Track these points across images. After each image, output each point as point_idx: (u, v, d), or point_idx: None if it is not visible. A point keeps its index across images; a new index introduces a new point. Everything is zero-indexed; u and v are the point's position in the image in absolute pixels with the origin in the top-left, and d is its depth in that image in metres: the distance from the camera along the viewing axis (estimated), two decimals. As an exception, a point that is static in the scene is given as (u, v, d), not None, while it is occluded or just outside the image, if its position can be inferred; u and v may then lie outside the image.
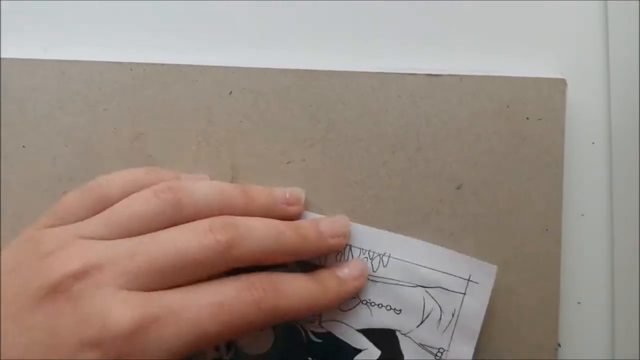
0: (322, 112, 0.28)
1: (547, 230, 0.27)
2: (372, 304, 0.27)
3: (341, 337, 0.27)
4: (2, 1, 0.30)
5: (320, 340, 0.27)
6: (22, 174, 0.28)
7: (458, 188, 0.27)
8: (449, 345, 0.26)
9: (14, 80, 0.28)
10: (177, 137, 0.28)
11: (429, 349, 0.26)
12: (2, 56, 0.28)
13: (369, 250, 0.27)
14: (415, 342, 0.26)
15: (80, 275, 0.21)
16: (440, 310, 0.26)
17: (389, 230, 0.27)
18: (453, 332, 0.26)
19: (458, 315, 0.26)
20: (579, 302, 0.28)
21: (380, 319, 0.26)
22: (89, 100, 0.28)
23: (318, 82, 0.28)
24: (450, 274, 0.26)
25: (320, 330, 0.27)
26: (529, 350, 0.27)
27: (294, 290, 0.24)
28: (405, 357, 0.26)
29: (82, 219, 0.24)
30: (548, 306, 0.27)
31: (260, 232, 0.23)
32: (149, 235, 0.22)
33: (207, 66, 0.28)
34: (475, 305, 0.26)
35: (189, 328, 0.21)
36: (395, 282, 0.26)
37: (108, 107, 0.28)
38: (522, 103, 0.27)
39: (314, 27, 0.29)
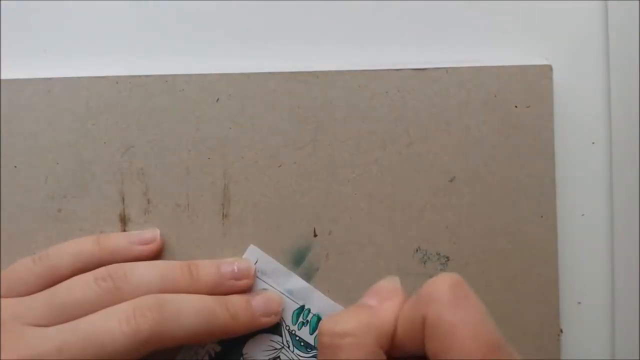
0: (310, 113, 0.28)
1: (542, 216, 0.27)
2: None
3: None
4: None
5: None
6: (15, 195, 0.28)
7: (451, 180, 0.27)
8: None
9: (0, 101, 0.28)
10: (167, 148, 0.28)
11: None
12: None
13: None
14: None
15: None
16: None
17: (386, 227, 0.27)
18: None
19: None
20: (579, 302, 0.28)
21: None
22: (77, 116, 0.28)
23: (304, 83, 0.28)
24: None
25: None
26: (532, 337, 0.27)
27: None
28: None
29: (30, 287, 0.25)
30: (548, 292, 0.27)
31: (189, 314, 0.24)
32: (76, 323, 0.23)
33: (192, 74, 0.28)
34: None
35: None
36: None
37: (96, 122, 0.28)
38: (510, 91, 0.27)
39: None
